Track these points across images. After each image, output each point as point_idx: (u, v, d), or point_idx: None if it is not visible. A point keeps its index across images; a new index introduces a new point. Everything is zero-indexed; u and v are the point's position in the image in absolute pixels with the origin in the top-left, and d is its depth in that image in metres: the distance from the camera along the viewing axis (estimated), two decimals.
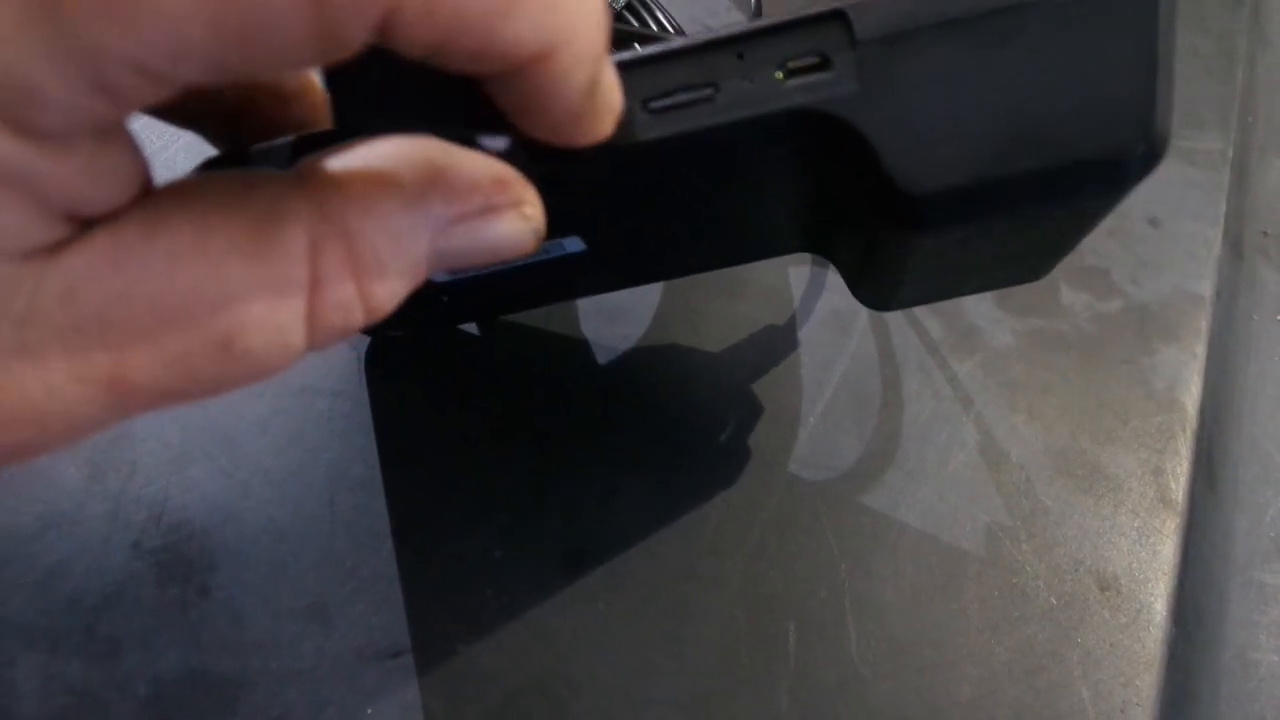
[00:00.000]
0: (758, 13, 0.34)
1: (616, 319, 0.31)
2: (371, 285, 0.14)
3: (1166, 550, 0.28)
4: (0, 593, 0.26)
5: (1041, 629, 0.27)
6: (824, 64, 0.17)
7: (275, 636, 0.25)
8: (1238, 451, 0.32)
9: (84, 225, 0.12)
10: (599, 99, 0.14)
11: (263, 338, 0.13)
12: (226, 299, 0.13)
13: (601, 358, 0.30)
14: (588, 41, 0.13)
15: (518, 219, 0.16)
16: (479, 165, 0.16)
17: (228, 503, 0.27)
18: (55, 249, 0.12)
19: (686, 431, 0.29)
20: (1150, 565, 0.28)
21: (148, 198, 0.13)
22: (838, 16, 0.17)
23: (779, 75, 0.18)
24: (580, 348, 0.30)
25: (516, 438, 0.28)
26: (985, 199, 0.18)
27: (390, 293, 0.15)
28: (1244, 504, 0.31)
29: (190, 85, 0.11)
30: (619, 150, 0.17)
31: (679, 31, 0.33)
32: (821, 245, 0.25)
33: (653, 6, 0.33)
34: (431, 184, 0.15)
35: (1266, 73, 0.42)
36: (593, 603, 0.26)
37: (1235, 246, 0.36)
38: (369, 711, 0.25)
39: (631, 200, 0.20)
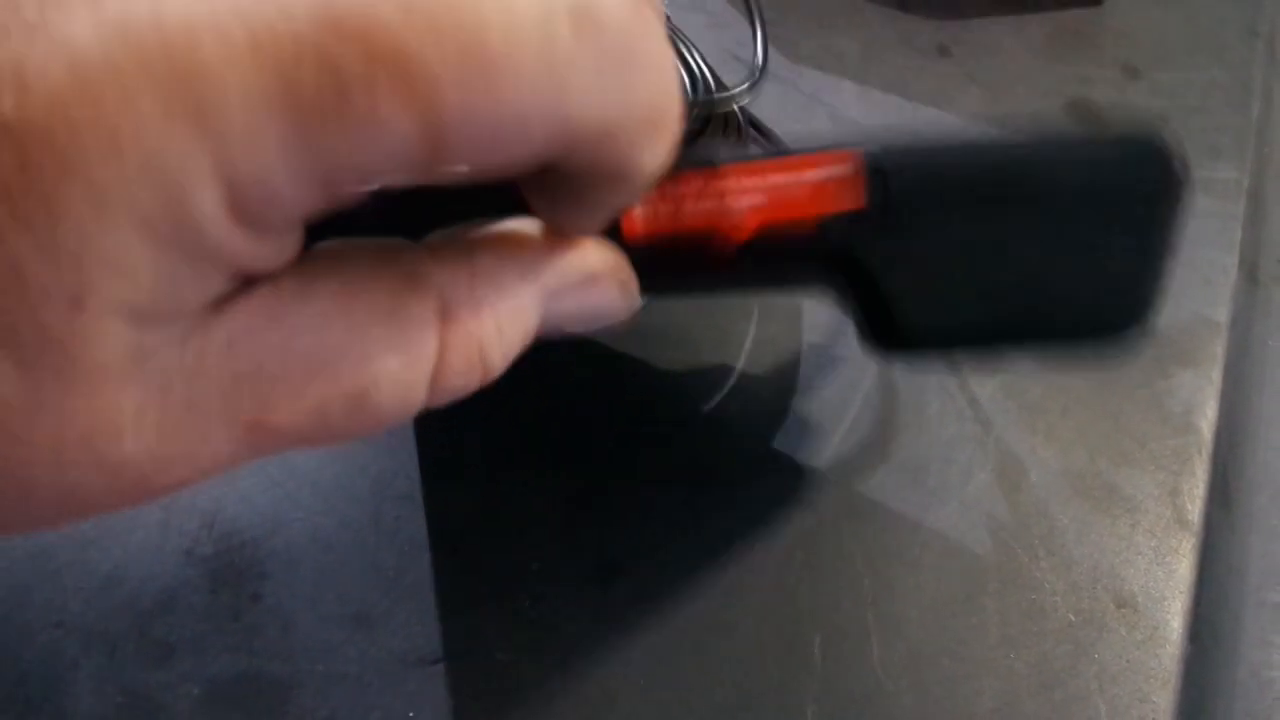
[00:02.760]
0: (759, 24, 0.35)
1: (648, 340, 0.32)
2: (490, 353, 0.16)
3: (1182, 569, 0.29)
4: (60, 598, 0.27)
5: (1059, 644, 0.28)
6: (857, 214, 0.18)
7: (322, 642, 0.26)
8: (1252, 474, 0.32)
9: (248, 281, 0.13)
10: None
11: (392, 395, 0.14)
12: (366, 357, 0.14)
13: (634, 377, 0.31)
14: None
15: (616, 286, 0.18)
16: (579, 242, 0.17)
17: (277, 513, 0.28)
18: (222, 303, 0.13)
19: (716, 448, 0.30)
20: (1166, 584, 0.29)
21: (302, 258, 0.14)
22: (880, 172, 0.18)
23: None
24: (612, 365, 0.31)
25: (553, 454, 0.30)
26: (977, 350, 0.19)
27: (505, 359, 0.16)
28: (1258, 526, 0.31)
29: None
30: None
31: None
32: (835, 299, 0.26)
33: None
34: (544, 254, 0.16)
35: None
36: (625, 614, 0.27)
37: (1251, 274, 0.37)
38: (410, 715, 0.26)
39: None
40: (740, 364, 0.32)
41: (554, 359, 0.31)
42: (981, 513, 0.29)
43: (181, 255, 0.12)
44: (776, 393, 0.31)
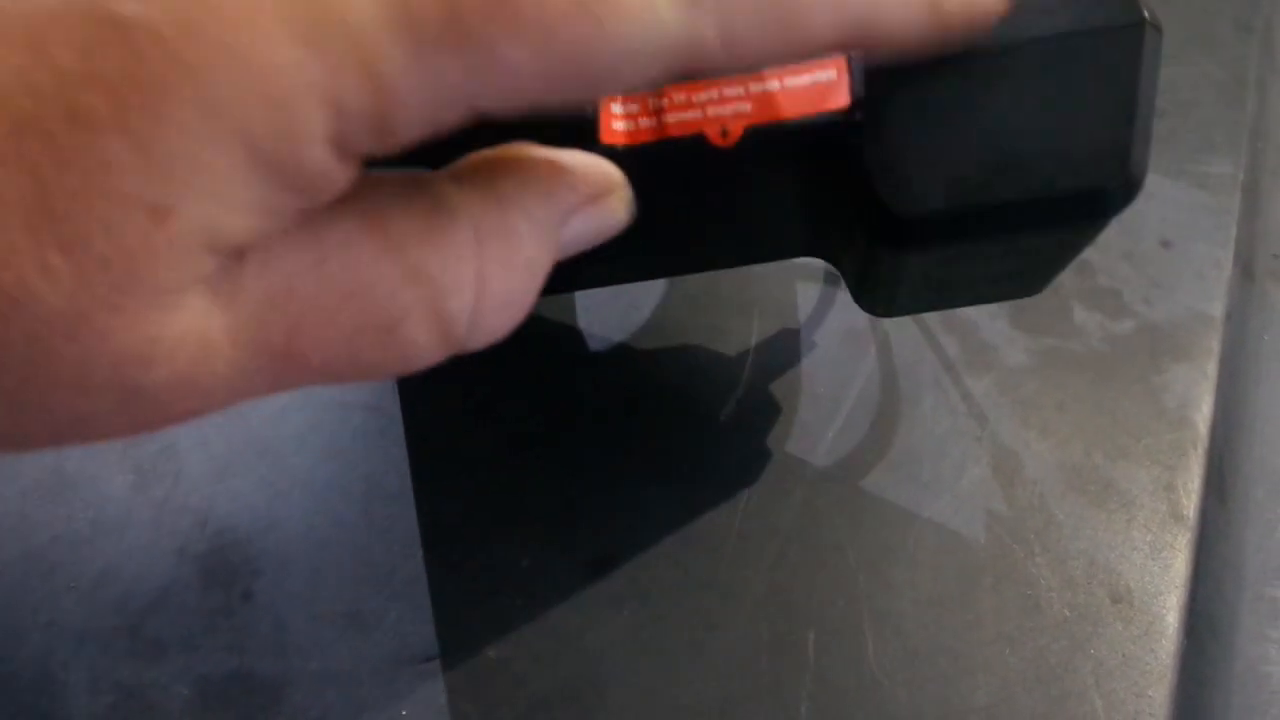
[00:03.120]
0: None
1: (639, 335, 0.32)
2: (526, 281, 0.15)
3: (1178, 564, 0.29)
4: (52, 596, 0.27)
5: (1055, 640, 0.28)
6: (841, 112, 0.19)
7: (315, 640, 0.26)
8: (1249, 469, 0.32)
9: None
10: (950, 5, 0.16)
11: (426, 328, 0.14)
12: (401, 284, 0.14)
13: (625, 371, 0.31)
14: None
15: (619, 199, 0.18)
16: (583, 157, 0.17)
17: (269, 511, 0.28)
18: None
19: (709, 444, 0.30)
20: (1162, 579, 0.29)
21: None
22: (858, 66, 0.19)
23: None
24: (604, 363, 0.31)
25: (544, 449, 0.30)
26: (969, 225, 0.19)
27: (536, 287, 0.16)
28: (1254, 520, 0.31)
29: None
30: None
31: None
32: (824, 253, 0.26)
33: None
34: (557, 178, 0.16)
35: (1278, 99, 0.43)
36: (618, 610, 0.27)
37: (1246, 269, 0.37)
38: (403, 713, 0.26)
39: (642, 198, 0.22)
40: (734, 360, 0.32)
41: (543, 352, 0.31)
42: (976, 508, 0.29)
43: (277, 181, 0.11)
44: (771, 388, 0.31)
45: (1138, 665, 0.27)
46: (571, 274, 0.28)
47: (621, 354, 0.31)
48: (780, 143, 0.19)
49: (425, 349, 0.14)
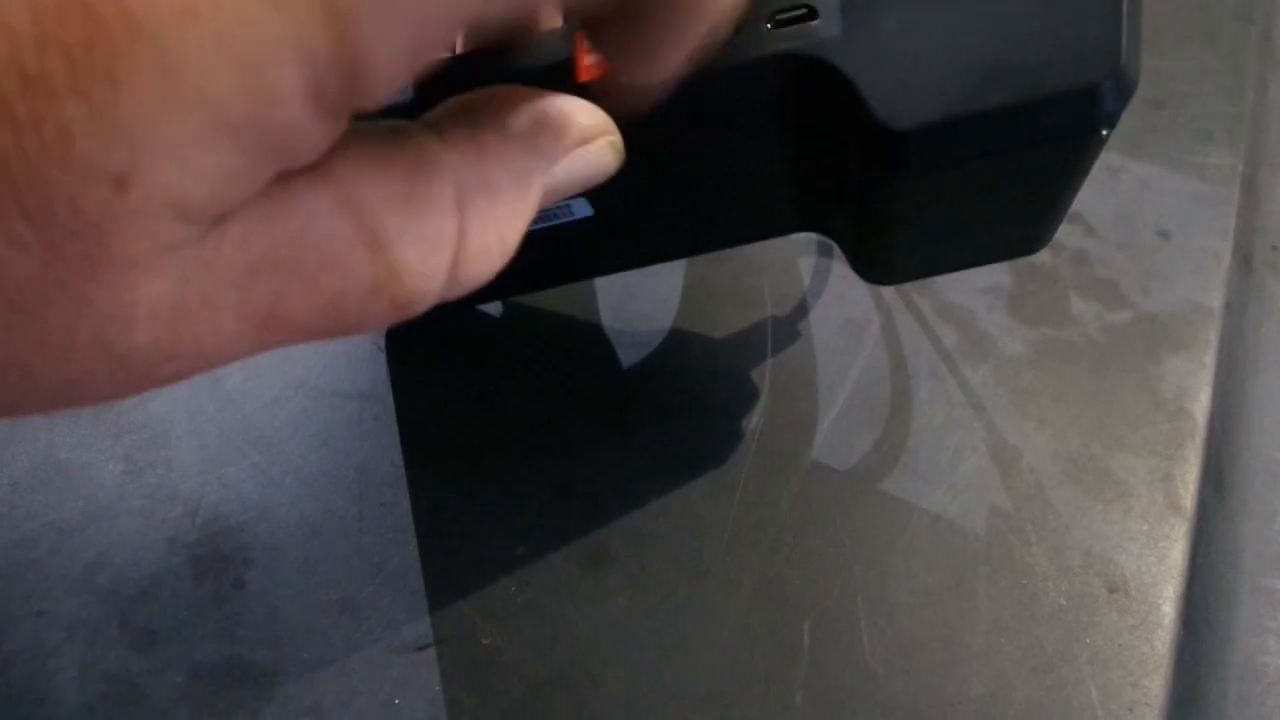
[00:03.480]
0: None
1: (635, 323, 0.32)
2: (508, 235, 0.15)
3: (1175, 554, 0.29)
4: (42, 585, 0.27)
5: (1051, 629, 0.27)
6: (810, 13, 0.19)
7: (307, 629, 0.26)
8: (1246, 460, 0.32)
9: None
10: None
11: (410, 283, 0.14)
12: (383, 245, 0.14)
13: (622, 360, 0.31)
14: None
15: (607, 144, 0.17)
16: (567, 101, 0.17)
17: (261, 500, 0.28)
18: None
19: (706, 433, 0.30)
20: (1159, 569, 0.29)
21: None
22: None
23: (767, 26, 0.19)
24: (601, 351, 0.31)
25: (539, 438, 0.29)
26: (965, 135, 0.19)
27: (519, 234, 0.16)
28: (1252, 511, 0.31)
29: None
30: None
31: None
32: (819, 222, 0.26)
33: None
34: (540, 124, 0.16)
35: (1277, 89, 0.43)
36: (613, 599, 0.27)
37: (1245, 260, 0.37)
38: (396, 702, 0.25)
39: (636, 165, 0.21)
40: (730, 349, 0.31)
41: (538, 340, 0.31)
42: (973, 498, 0.29)
43: (246, 144, 0.11)
44: (768, 378, 0.31)
45: (1134, 655, 0.27)
46: (570, 262, 0.29)
47: (617, 343, 0.31)
48: (766, 71, 0.19)
49: (406, 305, 0.14)
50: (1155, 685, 0.27)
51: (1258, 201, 0.39)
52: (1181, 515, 0.30)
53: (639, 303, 0.32)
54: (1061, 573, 0.28)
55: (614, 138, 0.17)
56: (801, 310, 0.32)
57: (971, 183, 0.20)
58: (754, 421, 0.30)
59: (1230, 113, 0.41)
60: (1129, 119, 0.40)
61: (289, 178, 0.13)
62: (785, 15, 0.19)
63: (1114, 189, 0.37)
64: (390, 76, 0.12)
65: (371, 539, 0.27)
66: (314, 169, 0.13)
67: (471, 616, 0.27)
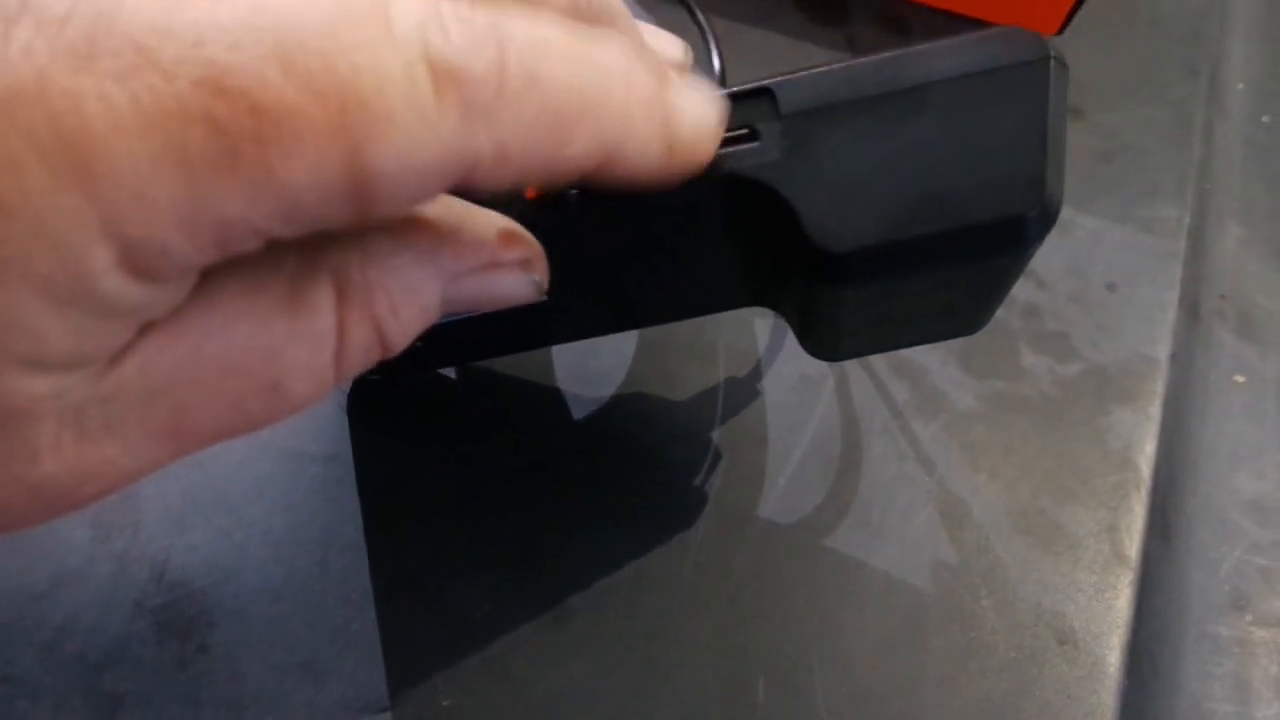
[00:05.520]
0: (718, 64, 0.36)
1: (594, 381, 0.32)
2: (387, 330, 0.16)
3: (1121, 605, 0.30)
4: (8, 651, 0.27)
5: (1000, 681, 0.28)
6: (752, 135, 0.20)
7: (271, 692, 0.27)
8: (1193, 508, 0.33)
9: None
10: (680, 149, 0.17)
11: (304, 380, 0.15)
12: (274, 351, 0.15)
13: (580, 420, 0.32)
14: (646, 126, 0.16)
15: (520, 273, 0.18)
16: (488, 222, 0.18)
17: (226, 563, 0.28)
18: (132, 339, 0.14)
19: (663, 491, 0.30)
20: (1105, 619, 0.29)
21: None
22: (765, 92, 0.20)
23: None
24: (560, 408, 0.32)
25: (499, 499, 0.30)
26: (897, 257, 0.20)
27: (404, 335, 0.17)
28: (1198, 559, 0.32)
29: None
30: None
31: None
32: (768, 300, 0.27)
33: None
34: (444, 240, 0.17)
35: (1224, 141, 0.44)
36: (573, 659, 0.27)
37: (1193, 309, 0.38)
38: None
39: (586, 256, 0.22)
40: (689, 407, 0.32)
41: (498, 400, 0.32)
42: (924, 552, 0.30)
43: (81, 311, 0.12)
44: (725, 435, 0.32)
45: (1082, 706, 0.28)
46: (519, 335, 0.29)
47: (575, 403, 0.32)
48: (711, 187, 0.20)
49: (308, 396, 0.16)
50: None
51: (1205, 250, 0.40)
52: (1127, 565, 0.30)
53: (597, 361, 0.32)
54: (1012, 626, 0.29)
55: (533, 265, 0.18)
56: (757, 368, 0.33)
57: (907, 290, 0.22)
58: (710, 479, 0.31)
59: (1177, 164, 0.42)
60: (1078, 172, 0.41)
61: (181, 308, 0.14)
62: (729, 135, 0.19)
63: (1064, 242, 0.38)
64: (202, 254, 0.13)
65: (334, 601, 0.28)
66: (201, 291, 0.14)
67: (432, 678, 0.27)
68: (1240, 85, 0.47)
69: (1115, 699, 0.28)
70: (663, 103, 0.16)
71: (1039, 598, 0.30)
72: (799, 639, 0.28)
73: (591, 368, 0.32)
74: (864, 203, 0.19)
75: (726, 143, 0.20)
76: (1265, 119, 0.46)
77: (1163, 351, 0.36)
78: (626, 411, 0.32)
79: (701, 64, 0.36)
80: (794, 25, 0.44)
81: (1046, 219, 0.20)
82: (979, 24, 0.44)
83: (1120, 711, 0.28)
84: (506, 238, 0.18)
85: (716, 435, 0.32)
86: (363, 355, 0.16)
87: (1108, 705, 0.28)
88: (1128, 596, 0.30)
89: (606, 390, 0.32)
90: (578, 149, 0.15)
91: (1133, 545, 0.31)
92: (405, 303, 0.16)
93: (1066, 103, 0.20)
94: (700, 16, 0.37)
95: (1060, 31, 0.44)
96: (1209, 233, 0.41)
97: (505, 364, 0.32)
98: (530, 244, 0.18)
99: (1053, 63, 0.19)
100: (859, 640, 0.28)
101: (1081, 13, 0.43)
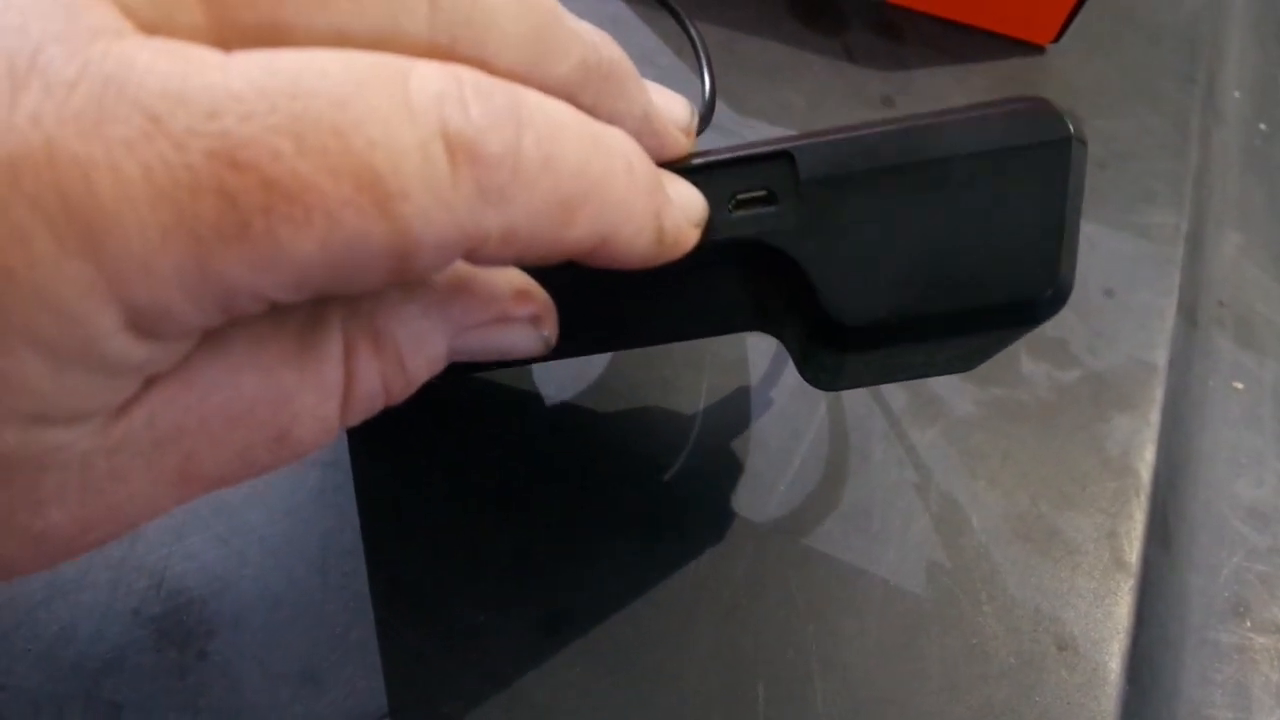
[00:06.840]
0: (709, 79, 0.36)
1: (592, 390, 0.32)
2: (394, 379, 0.16)
3: (1121, 611, 0.30)
4: (6, 660, 0.27)
5: (1000, 688, 0.28)
6: (770, 199, 0.20)
7: (269, 700, 0.26)
8: (1193, 514, 0.33)
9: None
10: (668, 238, 0.17)
11: (310, 428, 0.15)
12: (281, 400, 0.15)
13: (578, 428, 0.32)
14: (642, 215, 0.16)
15: (529, 329, 0.18)
16: (502, 277, 0.18)
17: (225, 571, 0.28)
18: (138, 391, 0.14)
19: (661, 499, 0.30)
20: (1105, 625, 0.29)
21: None
22: (786, 156, 0.19)
23: (729, 206, 0.20)
24: (558, 416, 0.32)
25: (497, 507, 0.30)
26: (907, 330, 0.20)
27: (410, 384, 0.17)
28: (1198, 565, 0.32)
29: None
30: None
31: None
32: (770, 329, 0.27)
33: None
34: (454, 293, 0.17)
35: (1221, 147, 0.44)
36: (571, 666, 0.27)
37: (1190, 316, 0.38)
38: None
39: (590, 295, 0.22)
40: (686, 415, 0.32)
41: (496, 407, 0.32)
42: (923, 558, 0.30)
43: (86, 370, 0.12)
44: (723, 442, 0.32)
45: (1082, 713, 0.28)
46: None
47: (574, 411, 0.32)
48: (724, 246, 0.20)
49: (310, 444, 0.16)
50: None
51: (1203, 257, 0.40)
52: (1127, 571, 0.30)
53: (596, 370, 0.32)
54: (1011, 632, 0.29)
55: (545, 330, 0.19)
56: (756, 375, 0.33)
57: (911, 352, 0.22)
58: (709, 486, 0.31)
59: (1174, 171, 0.42)
60: None
61: (188, 359, 0.14)
62: (746, 197, 0.19)
63: None
64: (205, 320, 0.13)
65: (334, 608, 0.28)
66: (208, 341, 0.14)
67: (431, 684, 0.27)
68: (1237, 92, 0.47)
69: (1115, 705, 0.28)
70: (660, 192, 0.17)
71: (1038, 604, 0.30)
72: (798, 645, 0.28)
73: (589, 376, 0.32)
74: (879, 277, 0.19)
75: (745, 204, 0.19)
76: (1262, 126, 0.46)
77: (1161, 358, 0.36)
78: (624, 421, 0.32)
79: (693, 76, 0.36)
80: (791, 33, 0.44)
81: (1058, 299, 0.19)
82: (975, 32, 0.45)
83: (1120, 718, 0.28)
84: (519, 293, 0.18)
85: (715, 442, 0.32)
86: (369, 404, 0.16)
87: (1108, 711, 0.28)
88: (1127, 602, 0.30)
89: (604, 400, 0.32)
90: (579, 232, 0.15)
91: (1132, 551, 0.31)
92: (413, 353, 0.16)
93: (1084, 182, 0.20)
94: (692, 30, 0.37)
95: (1057, 39, 0.44)
96: (1207, 239, 0.41)
97: (503, 373, 0.32)
98: (542, 300, 0.19)
99: (1074, 144, 0.19)
100: (858, 646, 0.28)
101: (1078, 20, 0.43)
